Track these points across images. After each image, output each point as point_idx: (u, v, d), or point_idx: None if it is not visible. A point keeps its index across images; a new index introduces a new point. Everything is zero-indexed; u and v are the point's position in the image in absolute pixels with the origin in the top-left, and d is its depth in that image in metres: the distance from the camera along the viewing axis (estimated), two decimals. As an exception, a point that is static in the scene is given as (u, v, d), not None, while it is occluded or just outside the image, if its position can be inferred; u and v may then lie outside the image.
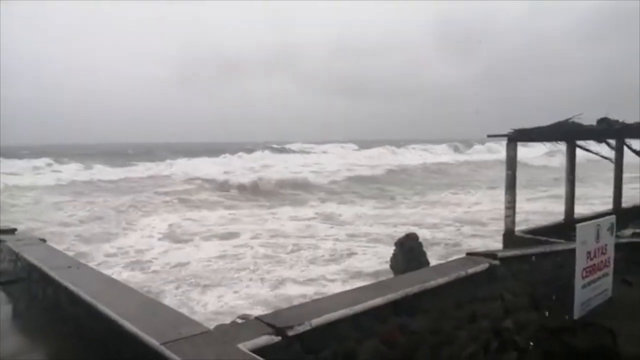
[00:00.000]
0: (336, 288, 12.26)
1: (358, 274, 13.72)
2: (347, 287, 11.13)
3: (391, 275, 11.71)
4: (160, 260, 15.56)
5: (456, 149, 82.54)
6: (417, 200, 29.33)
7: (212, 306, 11.51)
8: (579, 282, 5.83)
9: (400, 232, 18.29)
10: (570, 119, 11.99)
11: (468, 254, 5.66)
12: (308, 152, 74.94)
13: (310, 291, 12.33)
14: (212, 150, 78.65)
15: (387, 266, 14.11)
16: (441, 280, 4.57)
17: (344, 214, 24.07)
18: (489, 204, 26.00)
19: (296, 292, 12.27)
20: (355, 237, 18.53)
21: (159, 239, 18.49)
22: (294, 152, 78.39)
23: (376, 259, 15.43)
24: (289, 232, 19.75)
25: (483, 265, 5.12)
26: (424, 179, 41.12)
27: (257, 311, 9.72)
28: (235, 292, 12.50)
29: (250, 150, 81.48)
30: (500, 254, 5.45)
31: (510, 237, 11.47)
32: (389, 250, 15.67)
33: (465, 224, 20.67)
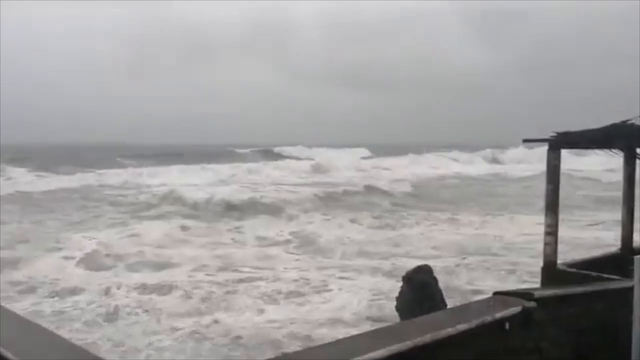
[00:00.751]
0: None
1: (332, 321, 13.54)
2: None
3: (396, 320, 11.40)
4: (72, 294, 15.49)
5: (488, 158, 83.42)
6: (423, 217, 30.10)
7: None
8: (638, 329, 5.76)
9: (389, 262, 18.98)
10: (629, 120, 11.95)
11: (496, 293, 5.62)
12: (302, 159, 75.17)
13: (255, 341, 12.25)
14: (184, 153, 79.05)
15: (370, 309, 14.13)
16: (461, 327, 4.48)
17: (325, 235, 24.59)
18: (506, 229, 26.43)
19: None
20: (332, 268, 18.75)
21: (77, 264, 18.72)
22: (283, 157, 78.72)
23: (352, 294, 15.55)
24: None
25: (515, 308, 5.05)
26: (440, 195, 41.93)
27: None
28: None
29: (230, 154, 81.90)
30: (537, 294, 5.41)
31: (550, 271, 11.25)
32: (373, 285, 16.05)
33: (472, 254, 20.78)
